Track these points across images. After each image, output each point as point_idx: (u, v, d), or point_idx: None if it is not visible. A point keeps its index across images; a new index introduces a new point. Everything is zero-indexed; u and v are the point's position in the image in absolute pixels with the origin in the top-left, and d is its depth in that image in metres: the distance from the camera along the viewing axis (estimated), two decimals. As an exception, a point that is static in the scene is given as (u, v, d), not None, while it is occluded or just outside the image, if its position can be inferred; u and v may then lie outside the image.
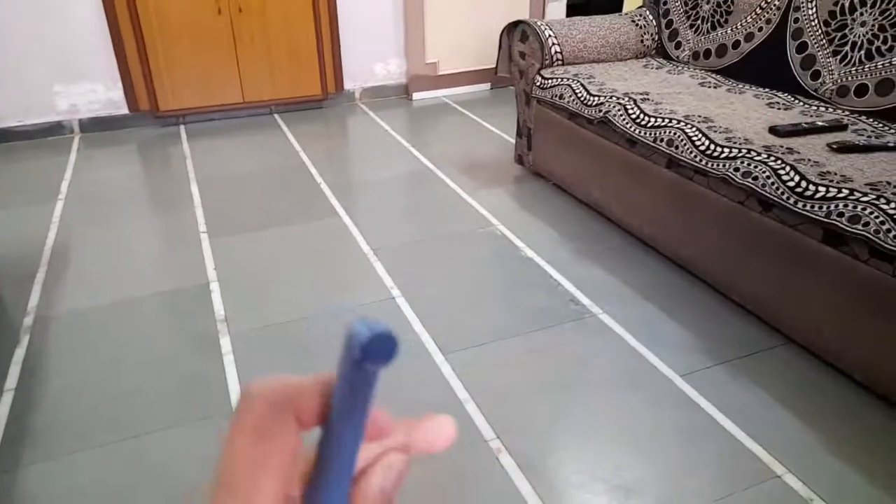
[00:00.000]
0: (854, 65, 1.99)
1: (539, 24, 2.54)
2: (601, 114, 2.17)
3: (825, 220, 1.49)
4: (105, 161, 3.07)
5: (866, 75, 1.96)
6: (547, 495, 1.30)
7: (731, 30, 2.39)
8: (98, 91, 3.33)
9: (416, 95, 3.87)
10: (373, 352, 0.21)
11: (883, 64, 1.92)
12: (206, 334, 1.78)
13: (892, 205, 1.40)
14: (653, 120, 2.00)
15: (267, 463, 0.21)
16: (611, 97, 2.18)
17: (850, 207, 1.45)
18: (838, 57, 2.03)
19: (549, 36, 2.50)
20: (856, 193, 1.46)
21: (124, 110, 3.40)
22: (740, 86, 2.24)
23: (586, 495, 1.31)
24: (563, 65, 2.54)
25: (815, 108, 1.99)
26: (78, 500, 1.30)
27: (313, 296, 1.96)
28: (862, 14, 1.98)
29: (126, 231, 2.38)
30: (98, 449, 1.42)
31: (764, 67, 2.25)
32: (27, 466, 1.37)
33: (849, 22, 2.01)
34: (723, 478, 1.33)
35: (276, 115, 3.63)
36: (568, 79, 2.38)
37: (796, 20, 2.16)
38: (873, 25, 1.95)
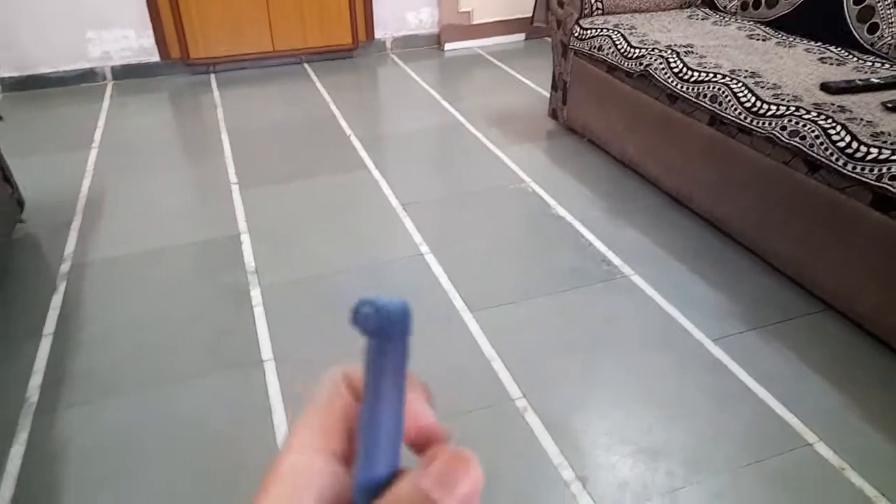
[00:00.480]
0: (916, 17, 1.87)
1: (579, -30, 2.43)
2: (641, 67, 2.09)
3: (876, 183, 1.42)
4: (137, 109, 3.07)
5: (929, 28, 1.84)
6: (572, 456, 1.30)
7: (784, -22, 2.26)
8: (130, 38, 3.32)
9: (448, 46, 3.77)
10: (383, 328, 0.21)
11: (948, 16, 1.79)
12: (237, 286, 1.80)
13: (950, 169, 1.32)
14: (696, 74, 1.91)
15: (311, 420, 0.23)
16: (652, 49, 2.08)
17: (903, 171, 1.37)
18: (899, 8, 1.91)
19: (589, -16, 2.39)
20: (911, 156, 1.39)
21: (156, 58, 3.38)
22: (791, 39, 2.12)
23: (612, 457, 1.30)
24: (602, 14, 2.43)
25: (871, 64, 1.88)
26: (112, 443, 1.34)
27: (343, 250, 1.95)
28: (929, -39, 1.85)
29: (158, 180, 2.40)
30: (131, 395, 1.45)
31: (817, 20, 2.12)
32: (65, 409, 1.42)
33: (913, -30, 1.88)
34: (752, 444, 1.32)
35: (307, 65, 3.58)
36: (608, 29, 2.29)
37: (855, -32, 2.03)
38: (940, -26, 1.82)
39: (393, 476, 0.22)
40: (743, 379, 1.46)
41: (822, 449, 1.29)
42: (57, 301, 1.75)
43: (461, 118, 2.83)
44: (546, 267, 1.85)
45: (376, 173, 2.38)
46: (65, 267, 1.89)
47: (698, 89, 1.88)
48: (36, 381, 1.49)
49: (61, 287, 1.80)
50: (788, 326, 1.60)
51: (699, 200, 1.98)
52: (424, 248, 1.93)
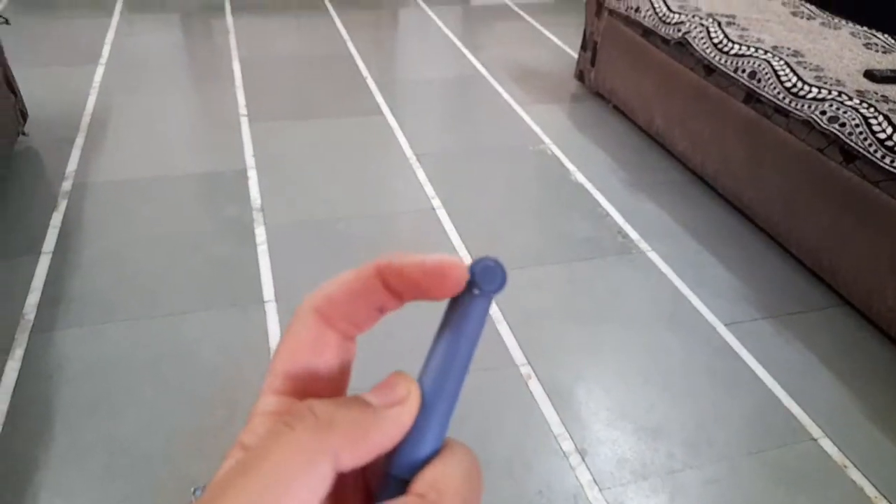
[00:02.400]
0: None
1: (624, -75, 2.30)
2: (679, 34, 2.00)
3: (915, 180, 1.37)
4: (147, 27, 2.95)
5: None
6: (573, 426, 1.28)
7: (838, -45, 2.15)
8: (144, -49, 3.17)
9: (474, -7, 3.64)
10: (482, 277, 0.21)
11: None
12: (241, 221, 1.74)
13: None
14: (737, 47, 1.83)
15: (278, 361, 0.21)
16: (693, 16, 1.99)
17: (947, 170, 1.32)
18: (957, -1, 1.82)
19: (633, -60, 2.28)
20: (957, 155, 1.33)
21: (170, -25, 3.24)
22: (836, 20, 2.03)
23: (613, 432, 1.28)
24: (642, -25, 2.32)
25: (920, 54, 1.81)
26: (106, 367, 1.31)
27: (352, 196, 1.90)
28: None
29: (166, 104, 2.31)
30: (128, 321, 1.42)
31: (866, 3, 2.03)
32: (62, 329, 1.38)
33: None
34: (755, 432, 1.30)
35: (326, -1, 3.45)
36: (647, -9, 2.18)
37: (916, -49, 1.93)
38: None
39: (435, 453, 0.20)
40: (752, 366, 1.43)
41: (826, 444, 1.27)
42: (57, 219, 1.70)
43: (483, 70, 2.74)
44: (559, 233, 1.80)
45: (391, 119, 2.30)
46: (66, 185, 1.83)
47: (737, 63, 1.81)
48: (33, 298, 1.45)
49: (62, 205, 1.75)
50: (803, 318, 1.57)
51: (724, 180, 1.93)
52: (436, 202, 1.88)
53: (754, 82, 1.75)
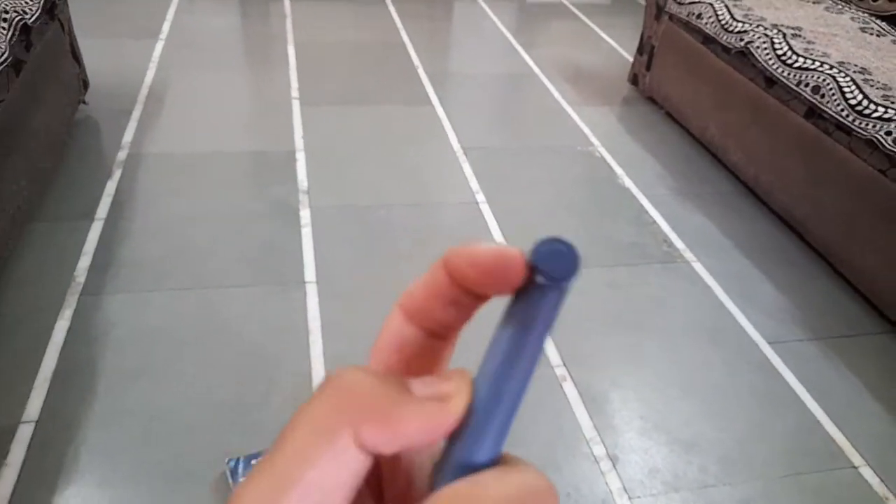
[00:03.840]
0: None
1: (691, -71, 2.26)
2: (742, 43, 1.95)
3: (984, 209, 1.31)
4: (207, 7, 3.00)
5: None
6: (605, 432, 1.26)
7: (915, -29, 2.08)
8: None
9: (530, -10, 3.61)
10: (547, 263, 0.18)
11: None
12: (287, 203, 1.76)
13: None
14: (801, 60, 1.78)
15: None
16: (757, 26, 1.94)
17: None
18: None
19: (700, -55, 2.23)
20: None
21: (232, -44, 3.29)
22: (909, 38, 1.96)
23: (646, 441, 1.27)
24: (707, -19, 2.28)
25: None
26: (150, 335, 1.34)
27: (398, 184, 1.90)
28: None
29: (221, 82, 2.35)
30: (172, 293, 1.45)
31: (942, 21, 1.96)
32: (110, 295, 1.42)
33: None
34: (793, 454, 1.27)
35: (383, -12, 3.46)
36: (711, -2, 2.14)
37: None
38: None
39: (492, 462, 0.18)
40: (794, 387, 1.40)
41: (868, 474, 1.24)
42: (111, 187, 1.74)
43: (535, 68, 2.72)
44: (603, 237, 1.78)
45: (440, 111, 2.30)
46: (121, 155, 1.87)
47: (800, 77, 1.76)
48: (84, 262, 1.49)
49: (116, 174, 1.79)
50: (851, 342, 1.52)
51: (778, 195, 1.88)
52: (480, 197, 1.87)
53: (817, 97, 1.70)
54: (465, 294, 0.20)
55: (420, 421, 0.17)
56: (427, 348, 0.21)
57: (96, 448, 1.13)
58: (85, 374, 1.25)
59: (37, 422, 1.16)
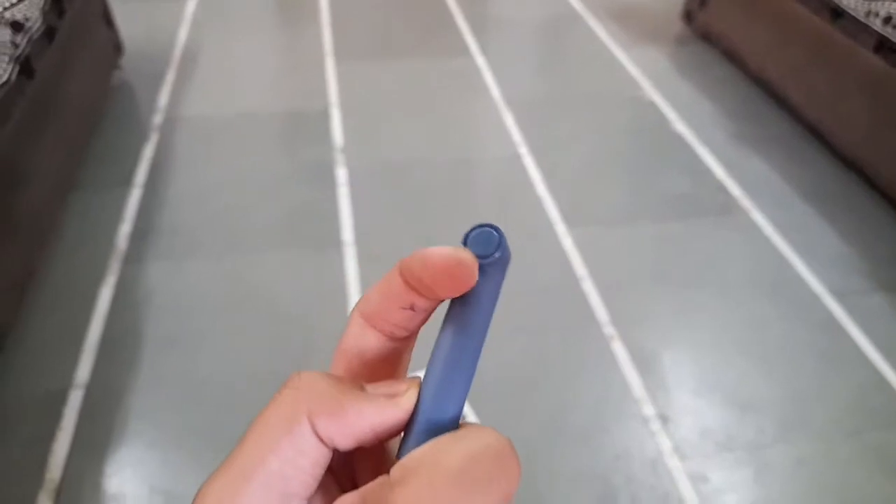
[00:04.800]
0: None
1: None
2: (806, -29, 1.79)
3: None
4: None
5: None
6: (656, 392, 1.22)
7: None
8: None
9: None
10: (503, 251, 0.20)
11: None
12: (323, 162, 1.73)
13: None
14: (873, -13, 1.62)
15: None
16: (823, -49, 1.77)
17: None
18: None
19: None
20: None
21: None
22: None
23: (699, 401, 1.21)
24: None
25: None
26: (190, 301, 1.35)
27: (437, 139, 1.84)
28: None
29: (253, 40, 2.31)
30: (212, 257, 1.44)
31: None
32: (151, 262, 1.43)
33: None
34: (856, 412, 1.20)
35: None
36: (771, -78, 1.96)
37: None
38: None
39: (455, 421, 0.20)
40: (858, 341, 1.31)
41: (940, 435, 1.16)
42: (149, 152, 1.74)
43: (580, 8, 2.57)
44: (655, 189, 1.69)
45: (480, 61, 2.21)
46: (157, 119, 1.87)
47: (870, 7, 1.60)
48: (125, 229, 1.50)
49: (153, 139, 1.79)
50: (924, 294, 1.41)
51: (843, 138, 1.74)
52: (523, 149, 1.80)
53: (889, 28, 1.55)
54: (420, 297, 0.20)
55: (368, 413, 0.19)
56: (386, 351, 0.22)
57: (143, 413, 1.15)
58: (129, 341, 1.26)
59: (87, 387, 1.18)
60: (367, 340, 0.22)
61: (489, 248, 0.20)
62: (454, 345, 0.20)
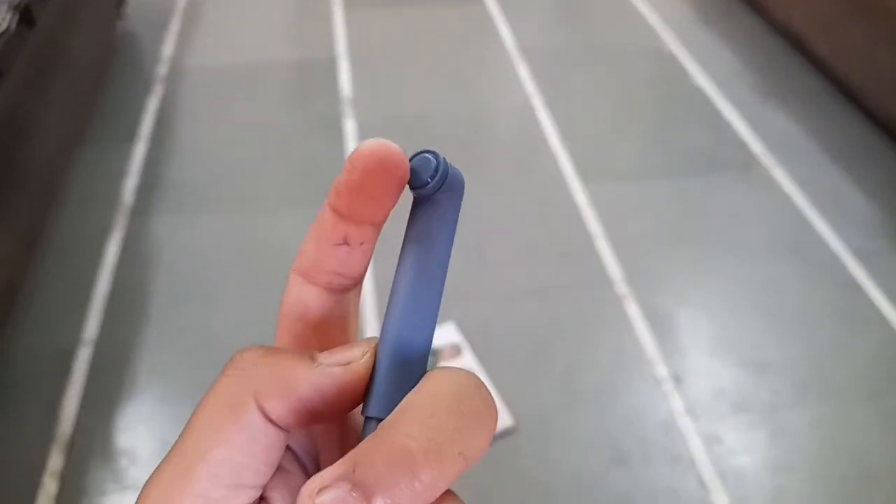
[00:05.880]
0: None
1: None
2: (840, -87, 1.69)
3: None
4: None
5: None
6: (670, 354, 1.20)
7: None
8: None
9: None
10: (455, 177, 0.19)
11: None
12: (331, 114, 1.69)
13: None
14: (913, -71, 1.53)
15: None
16: None
17: None
18: None
19: None
20: None
21: None
22: None
23: (714, 363, 1.20)
24: None
25: None
26: (198, 256, 1.33)
27: (448, 90, 1.79)
28: None
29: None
30: (220, 213, 1.42)
31: None
32: (158, 216, 1.41)
33: None
34: (876, 375, 1.18)
35: None
36: None
37: None
38: None
39: (422, 373, 0.18)
40: (878, 303, 1.28)
41: (960, 399, 1.14)
42: (154, 104, 1.70)
43: (597, -44, 2.46)
44: (673, 144, 1.64)
45: (493, 8, 2.13)
46: (162, 70, 1.82)
47: (909, -50, 1.51)
48: (132, 183, 1.48)
49: (158, 91, 1.75)
50: (951, 256, 1.37)
51: (873, 93, 1.67)
52: (536, 101, 1.74)
53: (929, -27, 1.46)
54: (351, 224, 0.19)
55: (321, 385, 0.17)
56: (330, 307, 0.20)
57: (152, 368, 1.15)
58: (138, 296, 1.25)
59: (95, 342, 1.18)
60: (307, 298, 0.20)
61: (426, 175, 0.18)
62: (413, 282, 0.19)
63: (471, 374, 0.18)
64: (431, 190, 0.19)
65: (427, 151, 0.19)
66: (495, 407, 0.18)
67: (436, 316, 0.19)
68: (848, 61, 1.73)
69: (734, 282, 1.33)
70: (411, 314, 0.19)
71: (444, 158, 0.19)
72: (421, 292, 0.19)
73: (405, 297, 0.19)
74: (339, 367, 0.18)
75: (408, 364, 0.18)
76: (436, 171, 0.19)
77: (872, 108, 1.69)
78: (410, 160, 0.19)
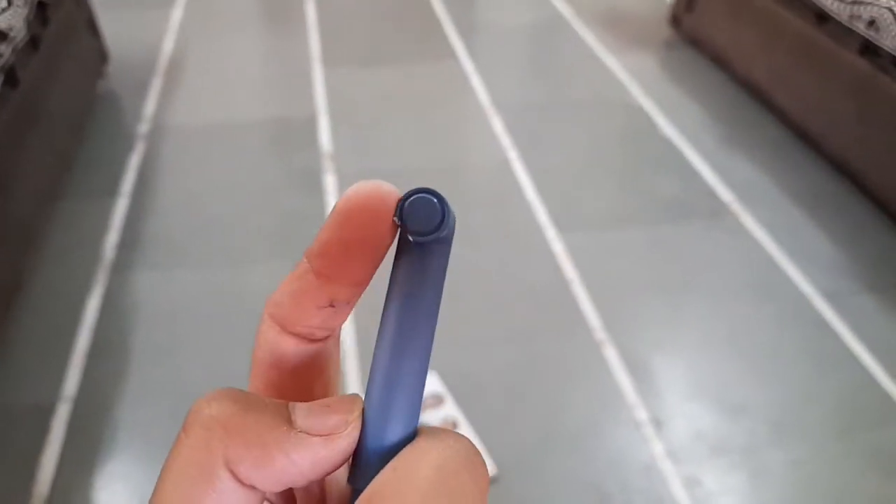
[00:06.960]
0: None
1: None
2: (790, -24, 1.80)
3: None
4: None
5: None
6: (648, 397, 1.22)
7: None
8: None
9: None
10: (447, 222, 0.16)
11: None
12: (310, 170, 1.72)
13: None
14: (857, -9, 1.63)
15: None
16: (807, -44, 1.79)
17: None
18: None
19: None
20: None
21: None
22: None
23: (691, 405, 1.21)
24: None
25: None
26: (177, 313, 1.34)
27: (425, 146, 1.84)
28: None
29: (240, 46, 2.30)
30: (200, 268, 1.43)
31: None
32: (138, 271, 1.41)
33: None
34: (847, 412, 1.20)
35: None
36: (755, -73, 1.98)
37: None
38: None
39: (411, 437, 0.17)
40: (847, 342, 1.32)
41: (930, 434, 1.17)
42: (135, 161, 1.72)
43: (566, 13, 2.58)
44: (644, 193, 1.70)
45: (467, 65, 2.21)
46: (143, 128, 1.85)
47: (853, 10, 1.62)
48: (112, 239, 1.49)
49: (140, 147, 1.77)
50: (913, 295, 1.43)
51: (831, 141, 1.75)
52: (512, 154, 1.80)
53: (872, 32, 1.56)
54: (339, 286, 0.17)
55: (298, 459, 0.16)
56: (309, 356, 0.19)
57: (131, 425, 1.14)
58: (118, 352, 1.25)
59: (74, 399, 1.16)
60: (283, 348, 0.19)
61: (432, 221, 0.16)
62: (405, 343, 0.17)
63: (460, 444, 0.16)
64: (436, 238, 0.16)
65: (423, 191, 0.17)
66: (486, 479, 0.16)
67: (426, 376, 0.18)
68: (806, 111, 1.82)
69: (709, 325, 1.36)
70: (401, 378, 0.17)
71: (445, 199, 0.17)
72: (412, 354, 0.17)
73: (394, 360, 0.17)
74: (320, 438, 0.16)
75: (396, 433, 0.17)
76: (443, 215, 0.16)
77: (831, 154, 1.77)
78: (404, 201, 0.17)
